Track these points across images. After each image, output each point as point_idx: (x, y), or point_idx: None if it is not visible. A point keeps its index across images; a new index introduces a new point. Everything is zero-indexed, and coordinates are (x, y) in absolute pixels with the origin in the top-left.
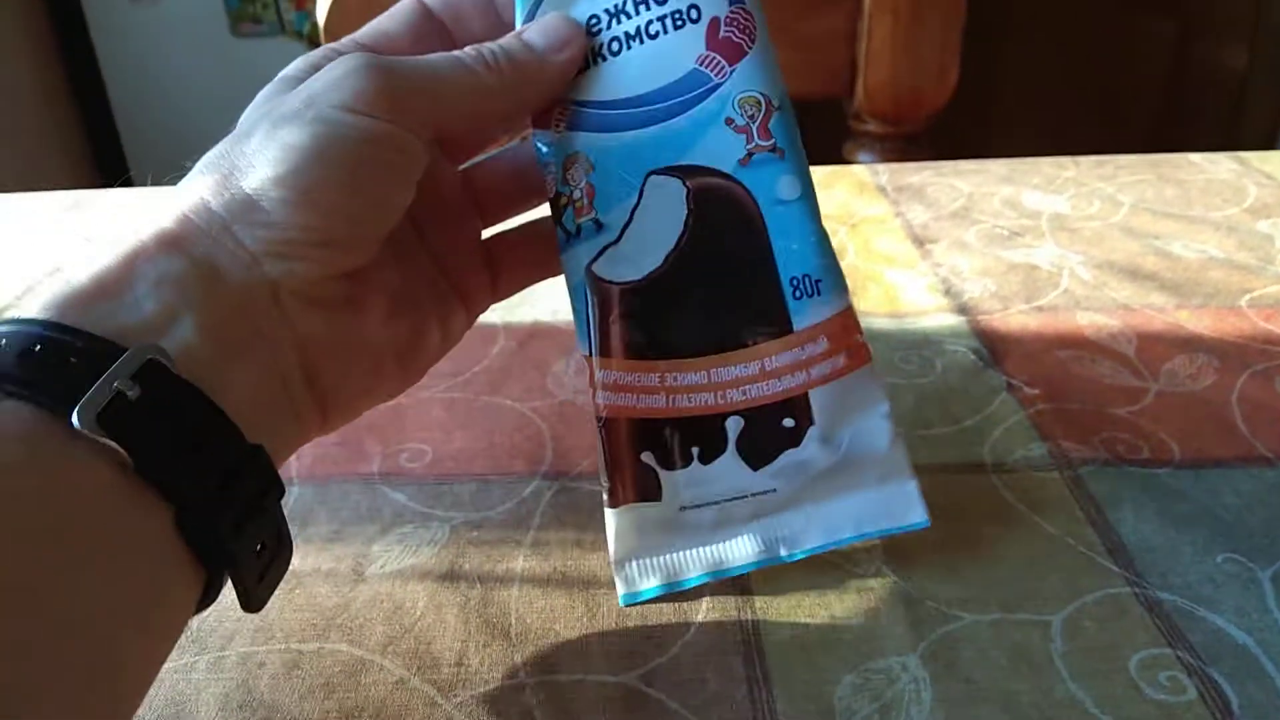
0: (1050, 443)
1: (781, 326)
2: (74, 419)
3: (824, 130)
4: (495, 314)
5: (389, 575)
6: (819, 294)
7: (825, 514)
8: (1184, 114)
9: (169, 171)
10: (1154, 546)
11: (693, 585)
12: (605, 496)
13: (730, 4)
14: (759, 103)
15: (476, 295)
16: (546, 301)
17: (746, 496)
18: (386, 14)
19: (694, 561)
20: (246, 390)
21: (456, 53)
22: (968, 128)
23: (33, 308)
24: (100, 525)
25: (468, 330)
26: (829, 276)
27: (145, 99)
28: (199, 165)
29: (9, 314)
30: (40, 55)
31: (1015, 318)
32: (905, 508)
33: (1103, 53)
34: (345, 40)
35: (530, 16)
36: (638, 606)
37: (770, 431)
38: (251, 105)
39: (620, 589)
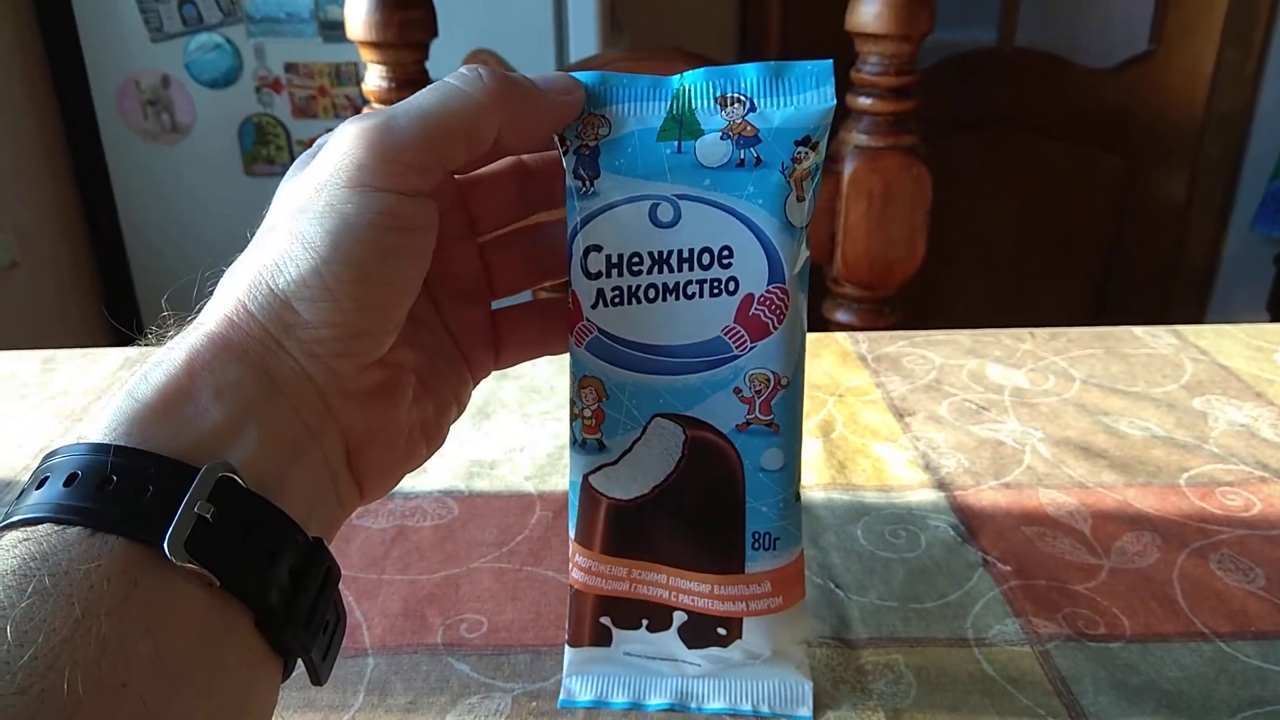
0: (1022, 619)
1: (735, 568)
2: (166, 551)
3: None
4: (530, 483)
5: None
6: (773, 549)
7: (732, 688)
8: (1134, 241)
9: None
10: (1111, 717)
11: (616, 709)
12: (567, 635)
13: (769, 283)
14: (768, 380)
15: (482, 366)
16: None
17: (676, 661)
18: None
19: (622, 691)
20: (303, 488)
21: (445, 78)
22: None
23: (99, 426)
24: (199, 642)
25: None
26: (786, 535)
27: (160, 234)
28: (234, 264)
29: (77, 437)
30: (58, 190)
31: (986, 494)
32: (798, 702)
33: (1056, 188)
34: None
35: (576, 247)
36: None
37: (706, 631)
38: (280, 186)
39: (562, 695)
